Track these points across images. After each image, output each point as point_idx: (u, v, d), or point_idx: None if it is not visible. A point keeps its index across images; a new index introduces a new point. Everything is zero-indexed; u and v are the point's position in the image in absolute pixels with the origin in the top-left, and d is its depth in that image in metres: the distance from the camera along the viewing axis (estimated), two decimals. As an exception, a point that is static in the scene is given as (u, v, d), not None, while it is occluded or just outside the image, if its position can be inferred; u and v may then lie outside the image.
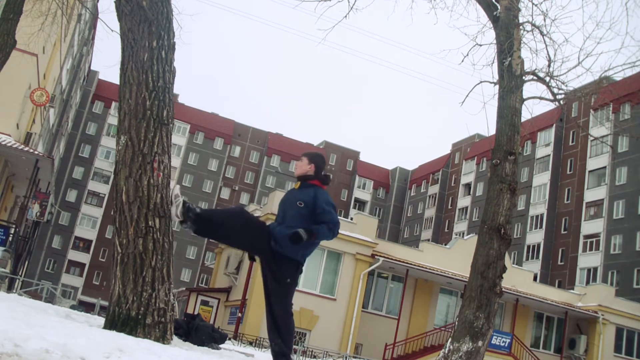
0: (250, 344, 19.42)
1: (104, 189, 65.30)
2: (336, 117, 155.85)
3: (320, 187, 4.56)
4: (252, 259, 4.77)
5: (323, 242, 4.93)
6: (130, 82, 4.86)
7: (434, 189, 71.49)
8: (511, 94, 8.11)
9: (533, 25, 8.69)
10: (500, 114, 8.21)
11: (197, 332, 5.70)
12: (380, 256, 25.24)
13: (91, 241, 64.03)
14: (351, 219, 27.37)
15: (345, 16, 9.41)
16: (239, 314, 24.12)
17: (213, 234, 4.71)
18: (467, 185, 66.00)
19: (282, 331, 4.42)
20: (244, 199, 70.01)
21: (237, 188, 71.58)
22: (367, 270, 25.27)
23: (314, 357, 21.20)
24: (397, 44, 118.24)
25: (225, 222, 4.51)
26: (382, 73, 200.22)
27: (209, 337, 5.81)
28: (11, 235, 19.88)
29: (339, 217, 4.64)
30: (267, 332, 4.54)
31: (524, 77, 8.32)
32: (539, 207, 52.64)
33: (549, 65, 8.58)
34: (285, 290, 4.47)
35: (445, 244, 33.86)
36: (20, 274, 22.63)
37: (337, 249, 24.81)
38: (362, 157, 78.89)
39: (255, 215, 23.96)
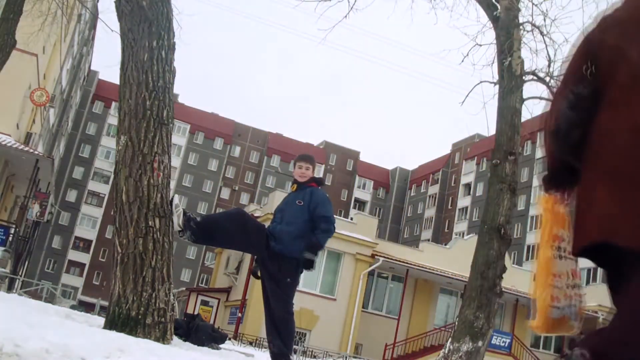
0: (250, 344, 19.42)
1: (104, 189, 65.31)
2: (336, 117, 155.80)
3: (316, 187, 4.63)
4: (256, 276, 4.61)
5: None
6: (130, 82, 4.87)
7: (434, 189, 71.51)
8: (511, 94, 8.11)
9: (533, 25, 8.71)
10: (500, 114, 8.22)
11: (197, 332, 5.71)
12: (380, 256, 25.22)
13: (91, 241, 64.06)
14: (351, 219, 27.37)
15: (345, 16, 9.45)
16: (239, 314, 24.13)
17: (213, 240, 4.75)
18: (467, 185, 66.02)
19: (282, 332, 4.41)
20: (244, 199, 69.99)
21: (237, 188, 71.59)
22: (367, 270, 25.26)
23: (314, 357, 21.20)
24: (397, 44, 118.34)
25: (225, 225, 4.53)
26: (383, 73, 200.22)
27: (209, 337, 5.82)
28: (11, 235, 19.87)
29: (335, 217, 4.68)
30: (266, 334, 4.54)
31: (524, 77, 8.33)
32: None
33: (549, 66, 8.59)
34: (286, 291, 4.46)
35: (445, 244, 33.86)
36: (20, 274, 22.63)
37: (337, 249, 24.79)
38: (362, 157, 78.97)
39: (255, 215, 23.99)
